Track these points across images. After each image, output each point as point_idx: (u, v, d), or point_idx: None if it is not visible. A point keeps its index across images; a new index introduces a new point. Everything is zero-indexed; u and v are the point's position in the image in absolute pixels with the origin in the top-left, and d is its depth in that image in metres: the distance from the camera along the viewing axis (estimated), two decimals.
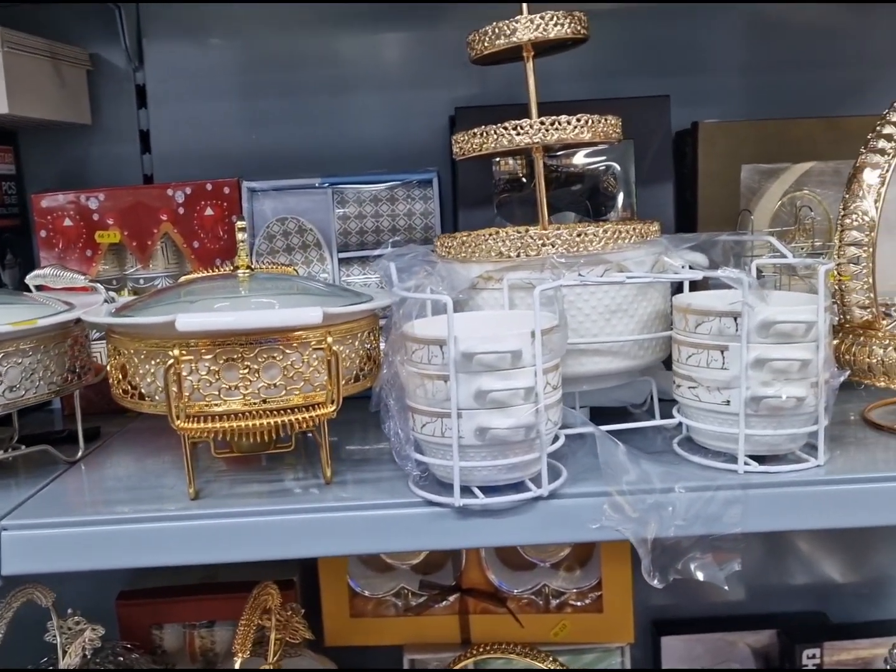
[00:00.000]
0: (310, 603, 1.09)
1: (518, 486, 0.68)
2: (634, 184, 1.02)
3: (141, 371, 0.70)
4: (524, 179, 1.03)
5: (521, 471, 0.67)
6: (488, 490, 0.67)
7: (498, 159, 1.02)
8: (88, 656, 0.90)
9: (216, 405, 0.67)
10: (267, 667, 0.82)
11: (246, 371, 0.67)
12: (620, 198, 1.03)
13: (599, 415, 0.79)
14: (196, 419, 0.66)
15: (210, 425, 0.66)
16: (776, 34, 1.11)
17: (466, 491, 0.67)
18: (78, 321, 0.81)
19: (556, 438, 0.69)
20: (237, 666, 0.76)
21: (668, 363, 0.84)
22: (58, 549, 0.68)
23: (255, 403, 0.67)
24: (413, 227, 1.05)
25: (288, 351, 0.68)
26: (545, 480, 0.67)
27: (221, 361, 0.67)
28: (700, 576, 0.64)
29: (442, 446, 0.66)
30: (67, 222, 1.02)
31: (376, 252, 1.04)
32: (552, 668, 0.87)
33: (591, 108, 0.79)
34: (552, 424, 0.67)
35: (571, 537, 0.67)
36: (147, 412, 0.72)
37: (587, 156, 1.02)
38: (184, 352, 0.65)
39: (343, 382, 0.68)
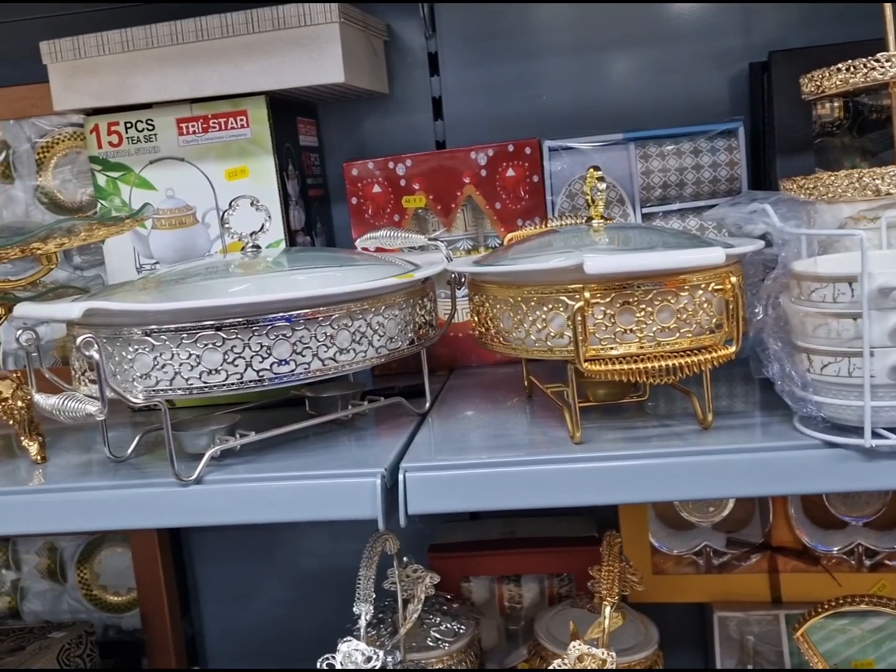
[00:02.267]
0: None
1: None
2: None
3: (531, 318, 0.71)
4: (842, 123, 0.99)
5: None
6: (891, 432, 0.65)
7: (814, 103, 0.99)
8: None
9: (612, 348, 0.68)
10: None
11: (642, 314, 0.67)
12: None
13: None
14: (595, 362, 0.67)
15: (613, 367, 0.66)
16: None
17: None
18: (426, 279, 0.84)
19: None
20: (607, 612, 0.77)
21: None
22: (456, 489, 0.70)
23: (650, 347, 0.68)
24: (718, 179, 1.03)
25: (681, 294, 0.68)
26: None
27: (617, 305, 0.67)
28: None
29: (846, 387, 0.65)
30: (376, 189, 1.06)
31: (676, 206, 1.04)
32: None
33: None
34: None
35: None
36: (529, 358, 0.74)
37: None
38: (592, 295, 0.66)
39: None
